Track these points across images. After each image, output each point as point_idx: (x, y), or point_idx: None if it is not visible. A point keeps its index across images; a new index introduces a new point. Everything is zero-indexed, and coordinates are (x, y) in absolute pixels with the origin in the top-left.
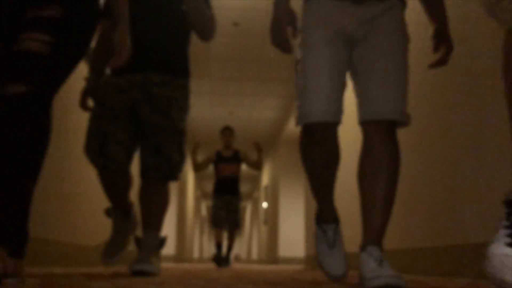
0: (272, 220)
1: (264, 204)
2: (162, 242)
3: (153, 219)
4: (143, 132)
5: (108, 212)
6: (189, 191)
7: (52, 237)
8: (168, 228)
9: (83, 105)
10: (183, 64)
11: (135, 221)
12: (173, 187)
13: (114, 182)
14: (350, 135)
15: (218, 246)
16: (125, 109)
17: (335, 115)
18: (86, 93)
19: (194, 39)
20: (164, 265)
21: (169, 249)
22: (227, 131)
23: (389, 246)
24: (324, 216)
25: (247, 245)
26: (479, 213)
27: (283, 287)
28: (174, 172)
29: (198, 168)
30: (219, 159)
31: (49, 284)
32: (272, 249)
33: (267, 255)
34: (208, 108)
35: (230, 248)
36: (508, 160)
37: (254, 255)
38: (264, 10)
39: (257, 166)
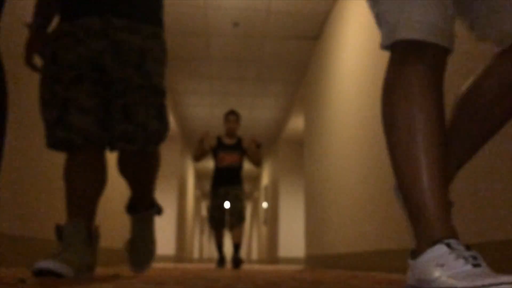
0: (272, 220)
1: (264, 204)
2: (158, 210)
3: (143, 195)
4: (111, 92)
5: (58, 231)
6: (189, 191)
7: (52, 237)
8: (168, 228)
9: (29, 61)
10: (153, 8)
11: (96, 248)
12: (173, 187)
13: (83, 169)
14: (349, 135)
15: (219, 247)
16: (87, 65)
17: (450, 42)
18: (31, 46)
19: (193, 38)
20: (164, 265)
21: (169, 249)
22: (232, 116)
23: (389, 246)
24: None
25: (247, 245)
26: (479, 213)
27: (283, 287)
28: (151, 142)
29: (198, 156)
30: (219, 147)
31: (49, 284)
32: (272, 249)
33: (267, 255)
34: (208, 108)
35: (237, 247)
36: (508, 159)
37: (254, 255)
38: (264, 10)
39: (257, 161)
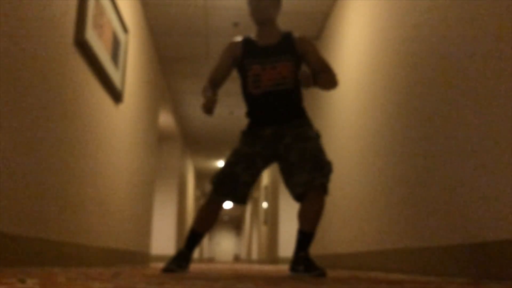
0: (272, 220)
1: (264, 204)
2: None
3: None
4: None
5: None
6: (189, 191)
7: (52, 237)
8: (168, 228)
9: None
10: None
11: None
12: (173, 187)
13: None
14: (349, 135)
15: (194, 236)
16: None
17: None
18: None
19: (193, 38)
20: (164, 265)
21: (169, 249)
22: None
23: (389, 246)
24: None
25: (247, 245)
26: (479, 213)
27: (283, 287)
28: None
29: (212, 80)
30: (249, 54)
31: (49, 284)
32: (272, 249)
33: (267, 255)
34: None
35: (309, 240)
36: (508, 159)
37: (254, 255)
38: None
39: (332, 79)
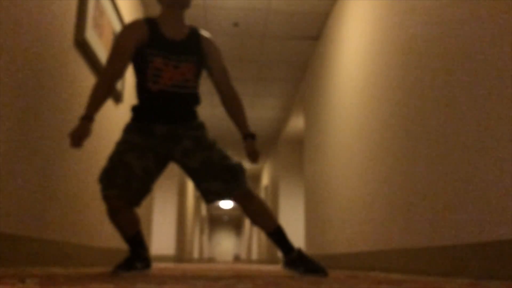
0: None
1: None
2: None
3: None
4: None
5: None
6: (189, 191)
7: (52, 237)
8: (168, 228)
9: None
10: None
11: None
12: (173, 187)
13: None
14: (349, 135)
15: (131, 240)
16: None
17: None
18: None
19: None
20: (164, 265)
21: (169, 249)
22: None
23: (389, 246)
24: None
25: (247, 245)
26: (479, 213)
27: (283, 287)
28: None
29: (111, 75)
30: (153, 43)
31: (49, 284)
32: (272, 249)
33: (267, 255)
34: (208, 108)
35: (278, 234)
36: (509, 159)
37: (254, 255)
38: (264, 10)
39: (234, 97)
